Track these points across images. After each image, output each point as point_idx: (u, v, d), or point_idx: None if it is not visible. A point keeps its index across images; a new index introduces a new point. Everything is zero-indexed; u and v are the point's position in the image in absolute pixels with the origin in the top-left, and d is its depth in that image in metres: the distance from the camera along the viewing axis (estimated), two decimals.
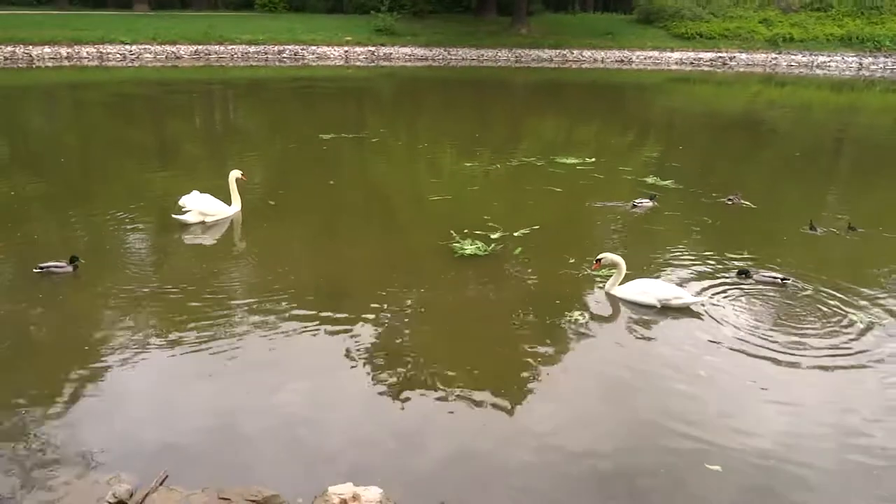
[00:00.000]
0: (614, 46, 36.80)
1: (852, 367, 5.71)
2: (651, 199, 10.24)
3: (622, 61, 36.03)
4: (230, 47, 32.96)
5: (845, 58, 36.42)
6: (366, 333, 6.10)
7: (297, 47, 33.80)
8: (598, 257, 7.00)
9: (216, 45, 32.82)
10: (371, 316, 6.41)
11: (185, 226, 8.77)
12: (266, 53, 33.24)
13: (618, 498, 4.17)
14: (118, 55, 30.77)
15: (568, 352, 5.93)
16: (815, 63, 36.16)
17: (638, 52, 36.57)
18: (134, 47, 31.27)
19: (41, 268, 6.96)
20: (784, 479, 4.34)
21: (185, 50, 32.23)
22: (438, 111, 21.37)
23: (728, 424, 4.90)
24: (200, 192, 8.90)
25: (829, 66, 35.80)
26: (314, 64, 32.71)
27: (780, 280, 7.22)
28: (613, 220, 9.69)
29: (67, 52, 29.85)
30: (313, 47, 33.97)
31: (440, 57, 34.95)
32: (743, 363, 5.72)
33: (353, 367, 5.56)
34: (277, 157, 13.98)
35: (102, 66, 29.60)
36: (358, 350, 5.80)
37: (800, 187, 12.47)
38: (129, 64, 30.29)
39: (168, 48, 31.98)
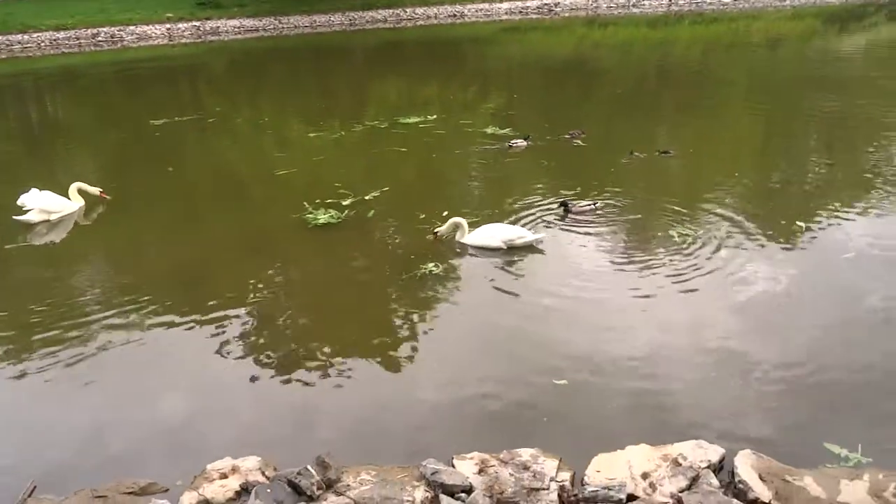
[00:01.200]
0: (446, 1, 37.18)
1: (690, 278, 6.39)
2: (526, 139, 11.16)
3: (455, 16, 36.56)
4: (35, 35, 30.04)
5: None
6: (232, 317, 6.08)
7: (112, 29, 31.38)
8: (435, 231, 7.35)
9: (18, 35, 29.79)
10: (233, 298, 6.39)
11: (29, 226, 8.32)
12: (78, 38, 30.62)
13: (484, 431, 4.57)
14: None
15: (430, 302, 6.24)
16: (632, 3, 38.47)
17: (469, 6, 37.21)
18: None
19: None
20: (636, 390, 4.93)
21: None
22: (277, 83, 20.82)
23: (587, 346, 5.42)
24: (39, 190, 8.47)
25: (644, 5, 38.23)
26: (135, 45, 30.54)
27: (593, 206, 7.98)
28: (456, 174, 10.12)
29: None
30: (131, 27, 31.69)
31: (271, 27, 33.77)
32: (588, 288, 6.30)
33: (223, 352, 5.56)
34: (106, 148, 13.17)
35: None
36: (226, 334, 5.80)
37: (626, 122, 13.46)
38: None
39: None
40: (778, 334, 5.46)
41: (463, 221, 7.27)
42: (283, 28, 33.79)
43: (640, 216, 7.93)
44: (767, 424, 4.40)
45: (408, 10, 36.27)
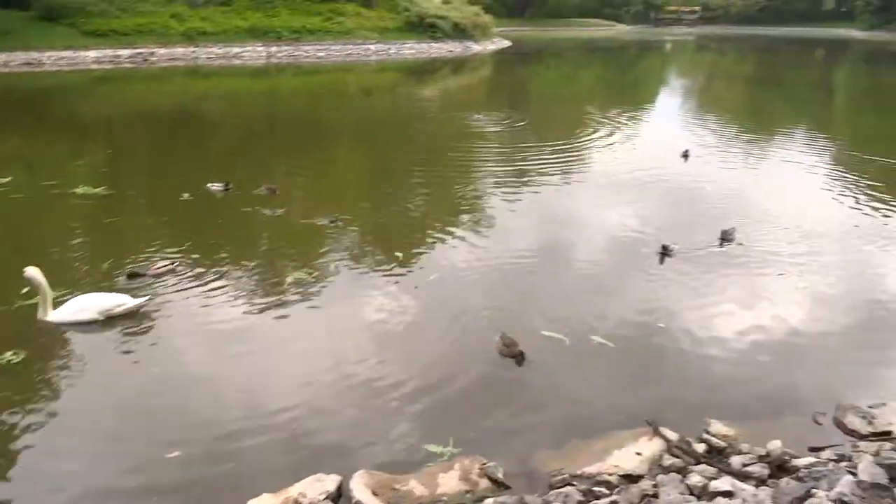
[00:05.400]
0: (19, 47, 32.74)
1: None
2: (225, 186, 10.64)
3: (31, 63, 32.41)
4: None
5: (256, 48, 40.00)
6: None
7: None
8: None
9: None
10: None
11: None
12: None
13: None
14: None
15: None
16: (232, 54, 38.75)
17: (49, 53, 33.31)
18: None
19: None
20: None
21: None
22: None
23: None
24: None
25: (244, 56, 38.85)
26: None
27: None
28: (48, 241, 8.94)
29: None
30: None
31: None
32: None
33: None
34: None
35: None
36: None
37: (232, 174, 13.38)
38: None
39: None
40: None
41: (43, 283, 6.28)
42: None
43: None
44: (378, 446, 4.76)
45: None
